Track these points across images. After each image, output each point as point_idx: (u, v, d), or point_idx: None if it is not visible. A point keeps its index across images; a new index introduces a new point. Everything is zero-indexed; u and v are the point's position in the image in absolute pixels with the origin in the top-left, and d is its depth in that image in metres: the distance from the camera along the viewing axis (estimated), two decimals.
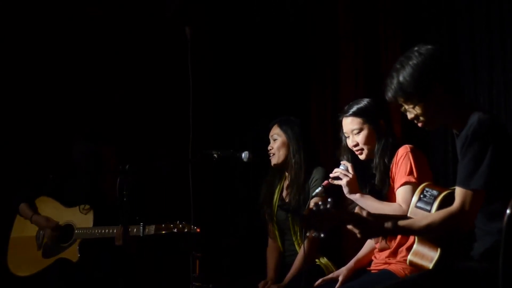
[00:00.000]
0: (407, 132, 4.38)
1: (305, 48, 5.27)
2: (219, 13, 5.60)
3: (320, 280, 3.56)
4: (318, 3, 5.22)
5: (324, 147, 4.88)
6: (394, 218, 2.78)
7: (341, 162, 3.49)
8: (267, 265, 4.13)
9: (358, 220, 2.66)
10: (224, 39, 5.56)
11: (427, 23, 4.59)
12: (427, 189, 2.88)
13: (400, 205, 3.28)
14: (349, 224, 2.66)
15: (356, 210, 2.73)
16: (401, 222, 2.71)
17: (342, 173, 3.41)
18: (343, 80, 5.04)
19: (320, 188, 3.46)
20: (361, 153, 3.48)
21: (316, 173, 3.94)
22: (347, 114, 3.51)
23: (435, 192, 2.84)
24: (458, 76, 2.88)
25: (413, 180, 3.27)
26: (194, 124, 4.06)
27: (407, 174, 3.31)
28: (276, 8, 5.39)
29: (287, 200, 4.03)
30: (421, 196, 2.86)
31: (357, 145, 3.47)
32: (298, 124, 4.08)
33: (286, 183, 4.08)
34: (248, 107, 5.37)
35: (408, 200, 3.20)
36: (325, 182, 3.47)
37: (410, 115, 2.79)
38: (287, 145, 4.02)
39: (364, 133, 3.46)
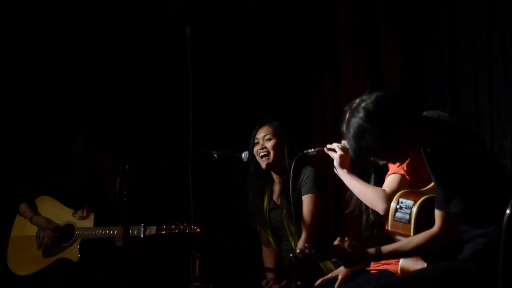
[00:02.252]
0: None
1: (305, 48, 5.27)
2: (219, 13, 5.60)
3: (320, 280, 3.56)
4: (318, 3, 5.22)
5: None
6: (377, 242, 2.77)
7: (342, 141, 3.49)
8: (266, 267, 4.13)
9: (341, 253, 2.67)
10: (224, 39, 5.55)
11: (427, 23, 4.59)
12: (401, 199, 2.88)
13: (384, 190, 3.27)
14: (332, 258, 2.68)
15: (336, 242, 2.72)
16: (386, 248, 2.72)
17: (339, 147, 3.43)
18: (343, 80, 5.04)
19: (312, 150, 3.52)
20: None
21: (306, 172, 3.94)
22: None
23: (410, 202, 2.84)
24: (411, 101, 2.84)
25: (402, 172, 3.28)
26: (194, 124, 4.06)
27: (397, 166, 3.32)
28: (276, 8, 5.39)
29: (279, 203, 4.03)
30: (397, 207, 2.87)
31: None
32: (287, 125, 4.08)
33: (276, 186, 4.07)
34: (248, 107, 5.37)
35: (392, 187, 3.26)
36: (320, 148, 3.50)
37: (382, 163, 2.82)
38: (281, 146, 4.01)
39: None
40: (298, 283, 2.59)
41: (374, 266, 3.47)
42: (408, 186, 3.26)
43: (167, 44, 5.26)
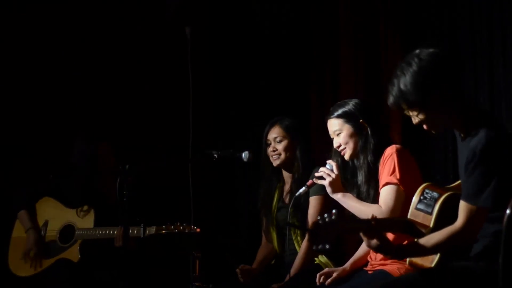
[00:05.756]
0: (407, 132, 4.39)
1: (305, 48, 5.27)
2: (219, 13, 5.60)
3: (323, 279, 3.53)
4: (318, 3, 5.22)
5: (324, 148, 4.86)
6: (397, 228, 2.78)
7: (327, 162, 3.52)
8: (256, 258, 4.14)
9: (366, 229, 2.66)
10: (224, 39, 5.55)
11: (427, 23, 4.59)
12: (427, 190, 2.87)
13: (380, 206, 3.29)
14: (357, 231, 2.67)
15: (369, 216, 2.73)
16: (406, 245, 2.74)
17: (326, 172, 3.45)
18: (343, 80, 5.04)
19: (304, 188, 3.55)
20: (344, 153, 3.50)
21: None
22: (329, 117, 3.54)
23: (435, 194, 2.84)
24: (461, 78, 2.85)
25: (395, 180, 3.27)
26: (194, 124, 4.06)
27: (389, 174, 3.31)
28: (276, 8, 5.39)
29: (287, 202, 4.04)
30: (421, 197, 2.86)
31: (340, 145, 3.49)
32: (298, 123, 4.08)
33: (287, 186, 4.07)
34: (248, 107, 5.37)
35: (387, 201, 3.28)
36: (309, 182, 3.53)
37: (414, 120, 2.77)
38: (293, 146, 4.01)
39: (343, 133, 3.48)
40: (325, 246, 2.53)
41: (371, 267, 3.47)
42: (404, 197, 3.25)
43: (167, 44, 5.26)
